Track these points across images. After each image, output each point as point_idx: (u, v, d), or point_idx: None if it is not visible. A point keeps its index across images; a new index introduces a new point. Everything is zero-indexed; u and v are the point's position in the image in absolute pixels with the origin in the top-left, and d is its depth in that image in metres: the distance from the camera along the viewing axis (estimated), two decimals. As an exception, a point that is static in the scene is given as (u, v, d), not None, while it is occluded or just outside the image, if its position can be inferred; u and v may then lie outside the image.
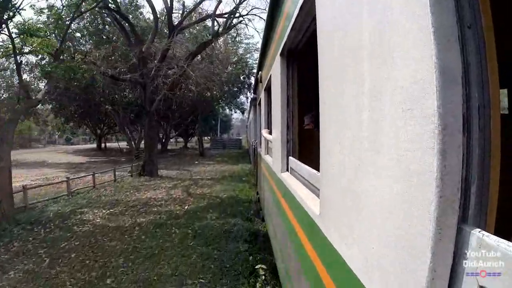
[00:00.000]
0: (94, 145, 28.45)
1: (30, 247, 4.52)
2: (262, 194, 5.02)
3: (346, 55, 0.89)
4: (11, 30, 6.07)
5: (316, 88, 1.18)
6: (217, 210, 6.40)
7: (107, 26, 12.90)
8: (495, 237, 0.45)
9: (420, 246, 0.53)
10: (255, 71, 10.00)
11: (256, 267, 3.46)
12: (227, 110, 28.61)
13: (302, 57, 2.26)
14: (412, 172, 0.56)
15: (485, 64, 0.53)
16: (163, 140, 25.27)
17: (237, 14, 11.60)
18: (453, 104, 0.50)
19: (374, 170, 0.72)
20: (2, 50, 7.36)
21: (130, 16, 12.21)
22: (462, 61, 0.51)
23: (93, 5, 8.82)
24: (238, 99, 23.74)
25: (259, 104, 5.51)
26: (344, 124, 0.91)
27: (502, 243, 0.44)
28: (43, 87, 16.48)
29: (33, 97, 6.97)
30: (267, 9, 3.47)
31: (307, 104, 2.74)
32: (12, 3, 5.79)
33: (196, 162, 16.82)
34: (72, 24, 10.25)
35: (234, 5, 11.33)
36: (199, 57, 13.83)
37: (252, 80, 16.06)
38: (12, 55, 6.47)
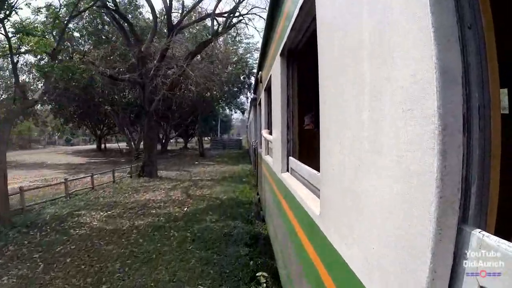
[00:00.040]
0: (94, 146, 28.42)
1: (25, 251, 4.43)
2: (263, 194, 5.00)
3: (346, 55, 0.89)
4: (7, 30, 6.04)
5: (316, 88, 1.18)
6: (217, 212, 6.31)
7: (106, 26, 12.89)
8: (495, 238, 0.45)
9: (420, 246, 0.53)
10: (255, 71, 9.99)
11: (257, 274, 3.37)
12: (227, 110, 28.59)
13: (302, 57, 2.26)
14: (412, 173, 0.56)
15: (485, 64, 0.53)
16: (163, 141, 25.24)
17: (237, 14, 11.60)
18: (453, 104, 0.50)
19: (374, 171, 0.72)
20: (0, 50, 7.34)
21: (130, 16, 12.19)
22: (462, 61, 0.51)
23: (91, 3, 8.76)
24: (238, 99, 23.74)
25: (259, 104, 5.49)
26: (344, 124, 0.91)
27: (503, 243, 0.44)
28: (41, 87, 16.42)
29: (31, 98, 6.94)
30: (267, 8, 3.47)
31: (307, 104, 2.72)
32: (8, 2, 5.75)
33: (196, 162, 16.80)
34: (71, 24, 10.22)
35: (234, 4, 11.32)
36: (198, 57, 13.81)
37: (252, 80, 16.04)
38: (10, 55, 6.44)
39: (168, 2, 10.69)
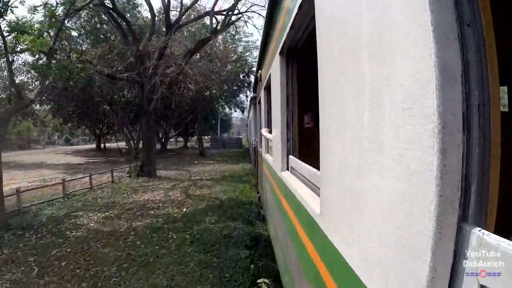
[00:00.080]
0: (94, 146, 28.29)
1: (20, 254, 4.34)
2: (263, 193, 4.97)
3: (346, 53, 0.89)
4: (2, 29, 5.91)
5: (316, 86, 1.17)
6: (217, 213, 6.18)
7: (104, 25, 12.70)
8: (495, 236, 0.45)
9: (420, 245, 0.53)
10: (254, 69, 9.77)
11: (259, 281, 3.24)
12: (227, 109, 28.43)
13: (302, 55, 2.25)
14: (412, 171, 0.56)
15: (484, 62, 0.53)
16: (163, 140, 25.10)
17: (236, 11, 11.34)
18: (452, 102, 0.50)
19: (374, 169, 0.71)
20: None
21: (128, 15, 11.99)
22: (461, 59, 0.51)
23: (87, 1, 8.58)
24: (238, 98, 23.57)
25: (259, 103, 5.46)
26: (343, 123, 0.91)
27: (503, 242, 0.44)
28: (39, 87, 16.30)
29: (29, 97, 6.78)
30: (266, 6, 3.42)
31: (307, 102, 2.73)
32: (3, 1, 5.61)
33: (196, 162, 16.67)
34: (69, 23, 10.03)
35: (233, 1, 11.07)
36: (198, 55, 13.61)
37: (252, 78, 15.85)
38: (9, 54, 6.29)
39: (166, 0, 10.47)
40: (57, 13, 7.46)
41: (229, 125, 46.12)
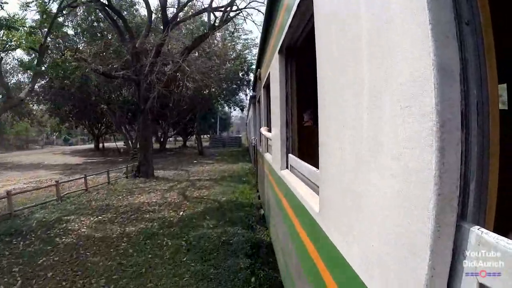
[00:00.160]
0: (92, 146, 28.17)
1: (5, 263, 4.10)
2: (263, 192, 4.90)
3: (344, 52, 0.89)
4: None
5: (315, 84, 1.17)
6: (215, 217, 5.91)
7: (101, 23, 12.60)
8: (494, 235, 0.45)
9: (420, 244, 0.53)
10: (254, 67, 9.71)
11: None
12: (226, 108, 28.36)
13: (301, 53, 2.25)
14: (410, 170, 0.56)
15: (483, 61, 0.53)
16: (162, 139, 25.01)
17: (235, 7, 11.25)
18: (451, 101, 0.50)
19: (373, 168, 0.72)
20: None
21: (125, 13, 11.88)
22: (460, 57, 0.51)
23: None
24: (237, 96, 23.48)
25: (258, 101, 5.40)
26: (342, 121, 0.91)
27: (501, 240, 0.44)
28: (37, 87, 16.19)
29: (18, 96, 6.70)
30: (265, 2, 3.39)
31: (306, 100, 2.70)
32: None
33: (195, 161, 16.57)
34: (65, 22, 9.90)
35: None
36: (196, 53, 13.51)
37: (251, 76, 15.77)
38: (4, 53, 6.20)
39: (163, -4, 10.38)
40: (50, 10, 7.34)
41: (228, 124, 45.99)
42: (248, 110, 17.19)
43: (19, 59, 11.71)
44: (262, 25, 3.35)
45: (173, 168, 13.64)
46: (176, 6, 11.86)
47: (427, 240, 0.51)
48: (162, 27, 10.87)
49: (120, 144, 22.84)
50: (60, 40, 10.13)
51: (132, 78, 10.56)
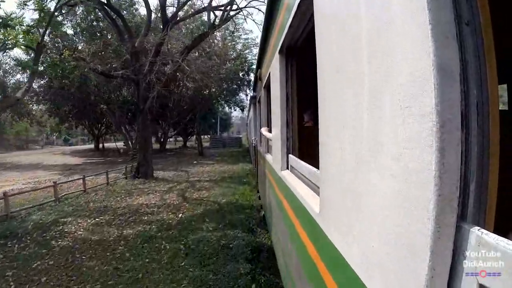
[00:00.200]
0: (92, 146, 28.15)
1: None
2: (263, 193, 4.91)
3: (345, 52, 0.89)
4: None
5: (316, 84, 1.17)
6: (215, 219, 5.82)
7: (100, 23, 12.59)
8: (494, 235, 0.45)
9: (420, 244, 0.53)
10: (254, 67, 9.69)
11: None
12: (227, 108, 28.33)
13: (301, 53, 2.25)
14: (411, 170, 0.56)
15: (483, 61, 0.53)
16: (162, 139, 25.00)
17: (235, 6, 11.24)
18: (451, 101, 0.50)
19: (373, 168, 0.72)
20: None
21: (125, 12, 11.87)
22: (460, 58, 0.51)
23: None
24: (237, 97, 23.45)
25: (259, 101, 5.39)
26: (342, 121, 0.91)
27: (501, 241, 0.44)
28: (37, 86, 16.15)
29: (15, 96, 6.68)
30: (265, 1, 3.40)
31: (306, 100, 2.69)
32: None
33: (195, 162, 16.51)
34: (64, 21, 9.88)
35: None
36: (196, 53, 13.50)
37: (252, 77, 15.76)
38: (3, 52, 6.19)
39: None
40: (48, 8, 7.31)
41: (228, 124, 45.97)
42: (249, 110, 17.18)
43: (15, 58, 11.68)
44: (262, 21, 3.36)
45: (173, 169, 13.58)
46: (175, 5, 11.84)
47: (427, 241, 0.51)
48: (161, 26, 10.87)
49: (120, 144, 22.83)
50: (59, 40, 10.11)
51: (131, 77, 10.50)
